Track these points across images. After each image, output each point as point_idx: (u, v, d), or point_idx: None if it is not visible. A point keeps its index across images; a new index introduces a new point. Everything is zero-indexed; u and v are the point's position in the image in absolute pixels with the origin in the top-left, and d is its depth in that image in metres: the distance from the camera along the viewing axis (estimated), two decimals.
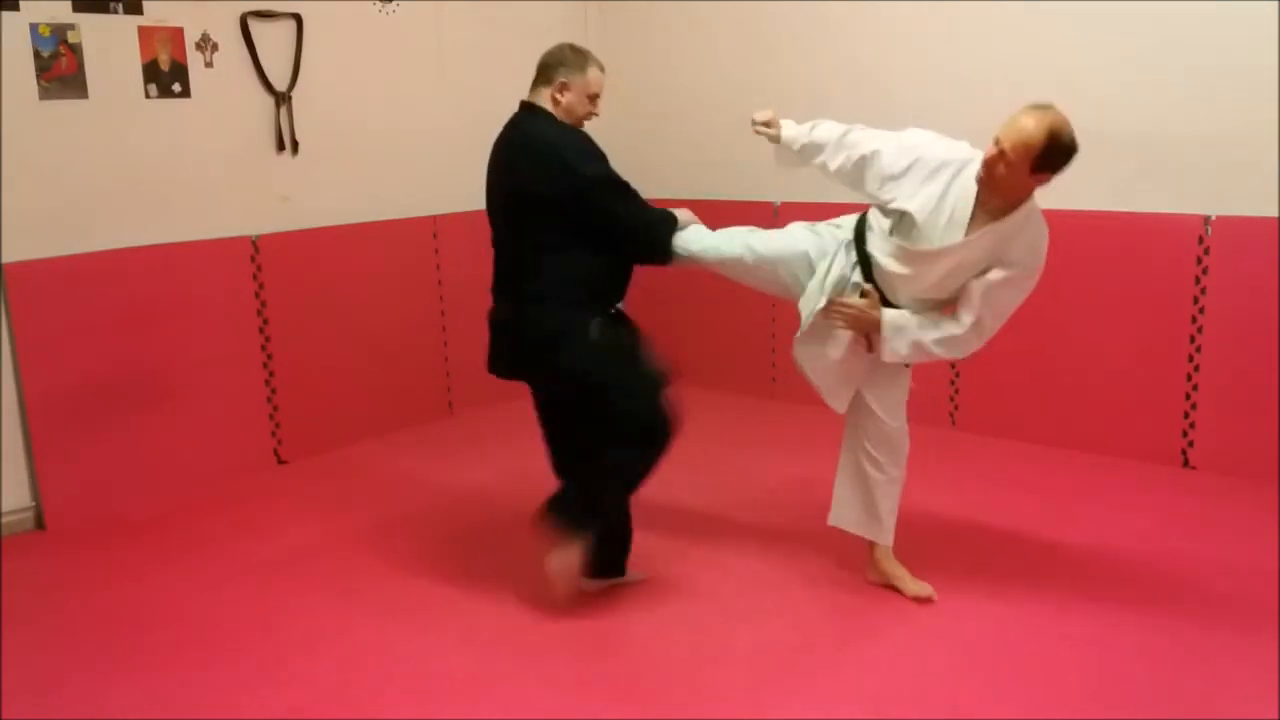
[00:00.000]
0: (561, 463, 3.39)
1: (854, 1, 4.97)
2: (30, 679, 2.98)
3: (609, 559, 3.35)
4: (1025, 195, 2.90)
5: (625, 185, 3.13)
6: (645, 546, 3.49)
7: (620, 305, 3.26)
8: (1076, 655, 2.94)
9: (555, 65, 3.14)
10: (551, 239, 3.07)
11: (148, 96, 4.23)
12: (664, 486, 4.18)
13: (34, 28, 3.90)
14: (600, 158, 3.10)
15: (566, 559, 3.09)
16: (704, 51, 5.53)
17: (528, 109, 3.18)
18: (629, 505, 3.33)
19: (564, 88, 3.11)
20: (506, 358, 3.23)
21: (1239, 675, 2.82)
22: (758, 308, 5.40)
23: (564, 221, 3.06)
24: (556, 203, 3.04)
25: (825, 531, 3.43)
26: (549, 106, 3.14)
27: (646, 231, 3.22)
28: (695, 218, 3.33)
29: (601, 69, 3.18)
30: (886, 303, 3.04)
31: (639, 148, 5.77)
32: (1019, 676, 2.85)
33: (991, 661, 2.93)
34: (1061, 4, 4.40)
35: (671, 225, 3.26)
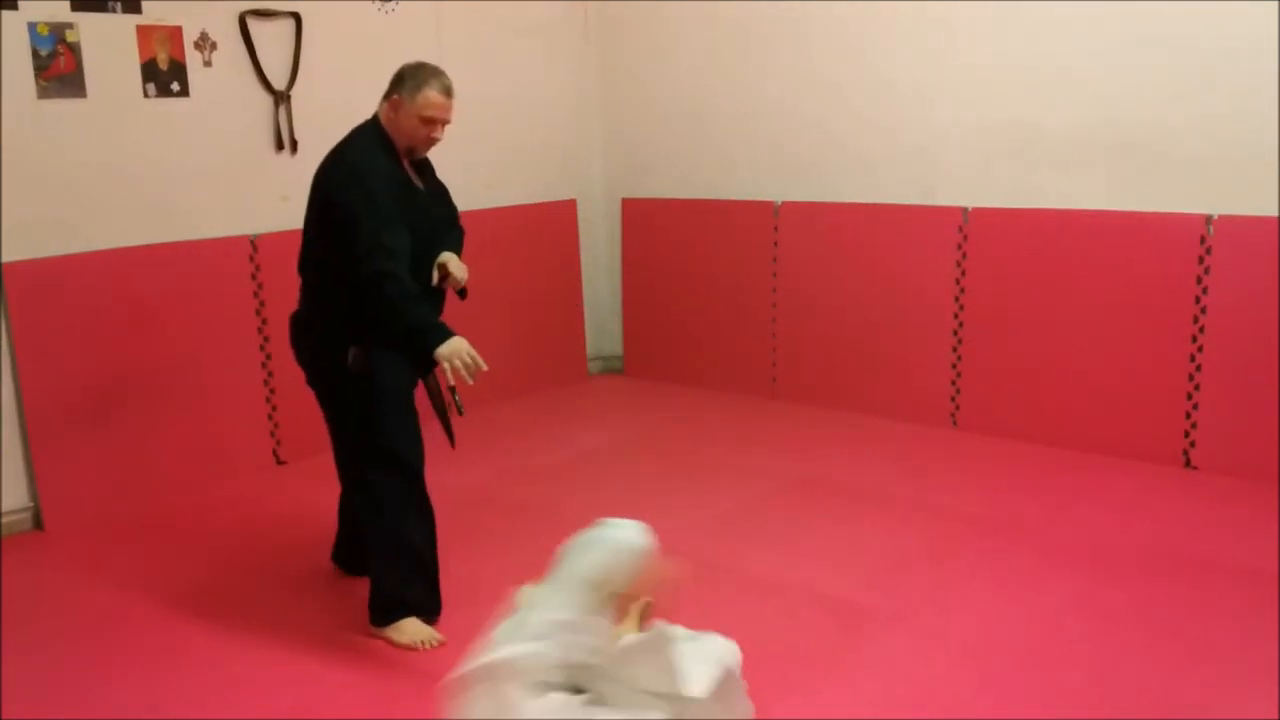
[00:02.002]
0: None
1: (855, 2, 4.96)
2: (28, 679, 2.97)
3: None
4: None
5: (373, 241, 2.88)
6: None
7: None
8: (1076, 656, 2.93)
9: (395, 80, 3.01)
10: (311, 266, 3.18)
11: (146, 96, 4.22)
12: (662, 486, 4.18)
13: (32, 27, 3.89)
14: (361, 200, 2.88)
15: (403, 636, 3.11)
16: (702, 50, 5.52)
17: (370, 120, 3.09)
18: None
19: (395, 105, 2.99)
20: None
21: (1239, 675, 2.81)
22: (758, 307, 5.40)
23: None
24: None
25: (823, 531, 3.41)
26: (384, 121, 3.03)
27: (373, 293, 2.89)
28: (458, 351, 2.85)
29: (445, 92, 2.98)
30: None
31: (638, 147, 5.77)
32: (1019, 677, 2.84)
33: (991, 662, 2.92)
34: (1062, 6, 4.39)
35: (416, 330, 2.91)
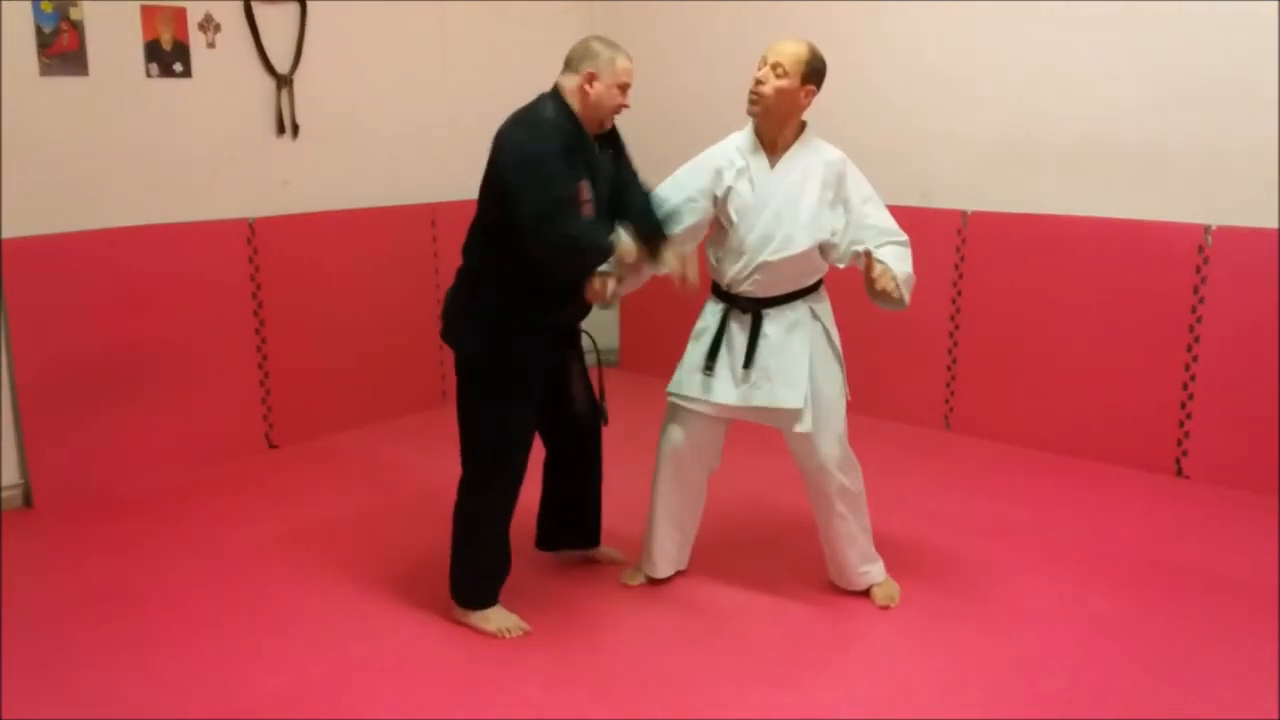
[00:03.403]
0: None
1: (856, 2, 4.96)
2: (15, 657, 2.97)
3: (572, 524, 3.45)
4: (799, 114, 3.13)
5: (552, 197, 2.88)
6: (637, 545, 3.48)
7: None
8: (1067, 660, 2.94)
9: (583, 57, 3.03)
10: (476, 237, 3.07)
11: (149, 75, 4.21)
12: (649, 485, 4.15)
13: (36, 3, 3.87)
14: (533, 156, 2.88)
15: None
16: (707, 51, 5.51)
17: (542, 96, 3.08)
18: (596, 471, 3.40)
19: (592, 78, 3.00)
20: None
21: (1226, 684, 2.82)
22: None
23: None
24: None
25: (809, 531, 3.41)
26: (572, 97, 3.03)
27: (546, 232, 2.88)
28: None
29: (629, 59, 3.06)
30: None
31: (641, 146, 5.70)
32: (1011, 680, 2.85)
33: (983, 665, 2.92)
34: (1064, 13, 4.39)
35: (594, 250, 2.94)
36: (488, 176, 2.99)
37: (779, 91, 3.02)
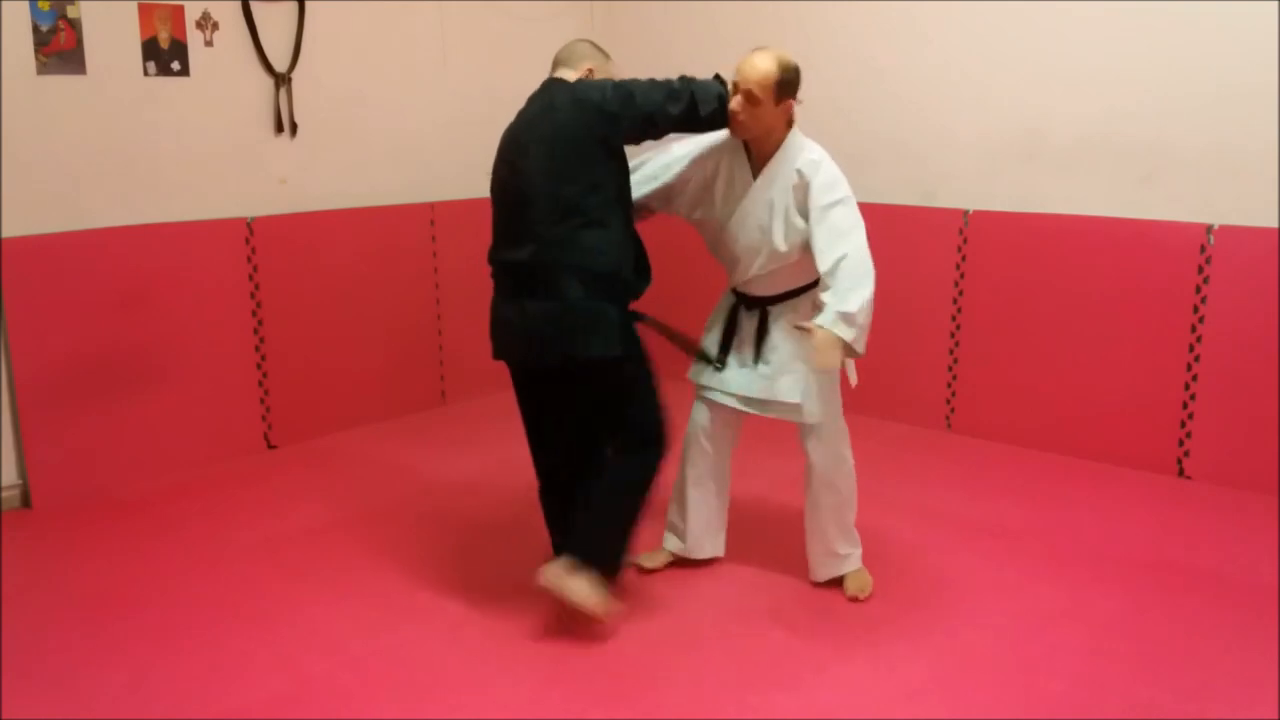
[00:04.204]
0: (551, 462, 3.26)
1: (857, 2, 4.95)
2: (15, 657, 2.96)
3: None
4: (784, 125, 3.11)
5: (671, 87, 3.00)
6: (656, 541, 3.48)
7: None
8: (1068, 660, 2.93)
9: (581, 55, 3.09)
10: (592, 201, 2.94)
11: (146, 74, 4.19)
12: (658, 485, 4.14)
13: (33, 2, 3.86)
14: (627, 87, 2.96)
15: (595, 594, 3.02)
16: (707, 50, 5.49)
17: (555, 81, 3.08)
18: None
19: (591, 73, 3.06)
20: (535, 342, 3.02)
21: (1227, 685, 2.81)
22: None
23: (609, 174, 2.98)
24: (602, 142, 2.96)
25: None
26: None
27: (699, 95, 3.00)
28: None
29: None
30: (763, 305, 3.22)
31: (642, 145, 5.74)
32: (1012, 681, 2.83)
33: (983, 666, 2.91)
34: (1067, 13, 4.37)
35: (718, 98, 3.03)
36: (583, 152, 2.94)
37: (754, 117, 3.02)
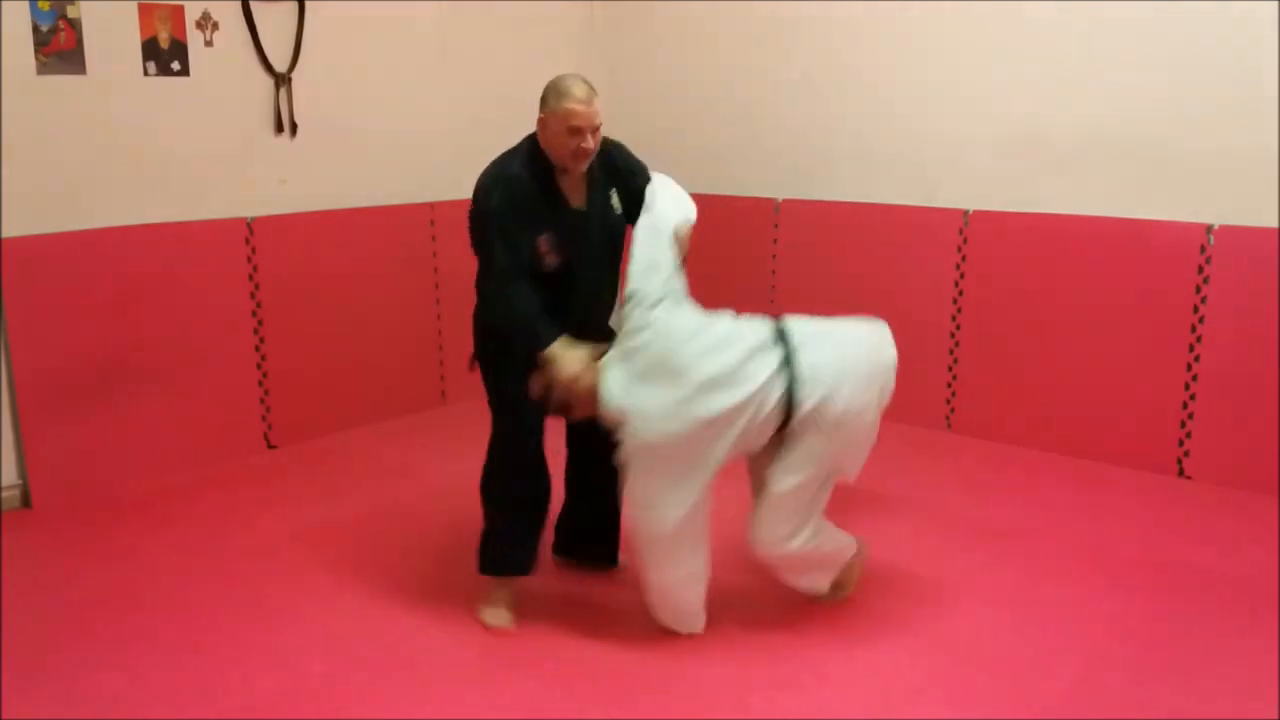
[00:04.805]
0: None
1: (857, 1, 4.95)
2: (15, 657, 2.96)
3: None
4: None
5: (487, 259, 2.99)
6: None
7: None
8: (1069, 660, 2.92)
9: (542, 98, 2.94)
10: None
11: (146, 74, 4.19)
12: None
13: (33, 2, 3.86)
14: (482, 218, 2.95)
15: None
16: (706, 50, 5.50)
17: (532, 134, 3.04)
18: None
19: (542, 123, 2.93)
20: None
21: (1229, 685, 2.81)
22: (757, 303, 5.37)
23: None
24: None
25: None
26: (540, 140, 2.97)
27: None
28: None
29: (586, 99, 2.88)
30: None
31: (640, 145, 5.72)
32: (1011, 681, 2.83)
33: (984, 666, 2.91)
34: (1066, 12, 4.37)
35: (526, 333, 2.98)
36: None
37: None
